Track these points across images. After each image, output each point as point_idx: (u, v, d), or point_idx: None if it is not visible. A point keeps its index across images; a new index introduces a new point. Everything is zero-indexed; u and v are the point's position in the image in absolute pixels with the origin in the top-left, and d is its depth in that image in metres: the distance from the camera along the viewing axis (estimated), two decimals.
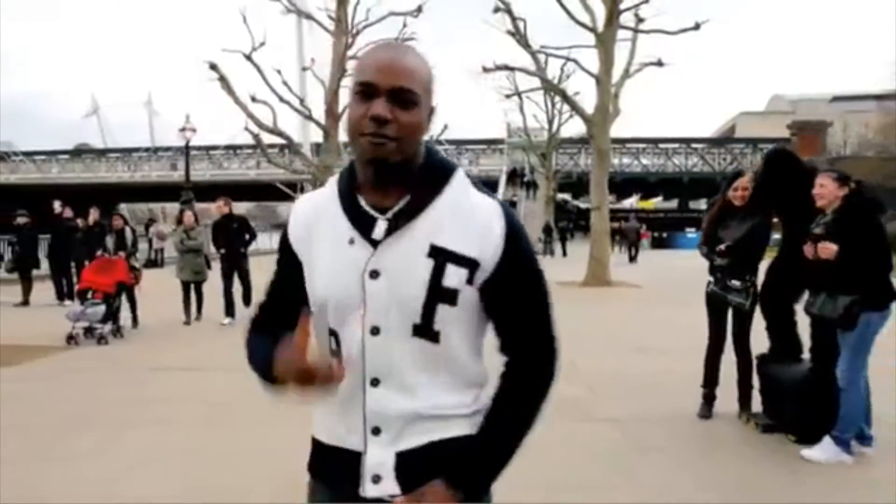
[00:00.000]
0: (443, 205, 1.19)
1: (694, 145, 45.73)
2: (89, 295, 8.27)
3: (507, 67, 16.31)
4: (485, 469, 1.21)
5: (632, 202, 57.75)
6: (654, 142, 45.96)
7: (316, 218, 1.26)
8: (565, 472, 3.73)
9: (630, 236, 30.28)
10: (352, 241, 1.20)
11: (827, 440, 3.80)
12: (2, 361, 6.81)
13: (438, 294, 1.17)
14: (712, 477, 3.76)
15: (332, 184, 1.28)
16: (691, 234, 44.85)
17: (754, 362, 4.74)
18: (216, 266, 10.02)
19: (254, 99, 20.73)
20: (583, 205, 52.15)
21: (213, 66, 20.37)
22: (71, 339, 7.97)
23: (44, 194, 45.11)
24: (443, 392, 1.22)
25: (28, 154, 50.35)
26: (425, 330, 1.19)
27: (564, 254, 28.02)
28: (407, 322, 1.18)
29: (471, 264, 1.18)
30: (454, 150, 43.42)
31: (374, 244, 1.19)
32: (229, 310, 9.58)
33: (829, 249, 3.64)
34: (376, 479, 1.22)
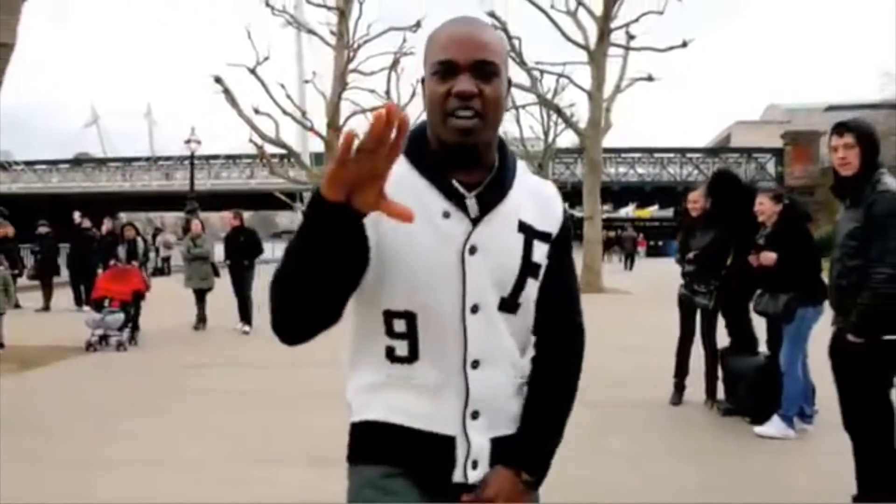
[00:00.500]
0: (519, 186, 1.23)
1: (689, 155, 46.52)
2: (106, 303, 8.51)
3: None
4: (545, 456, 1.27)
5: (628, 211, 58.52)
6: (650, 151, 46.81)
7: (392, 188, 1.01)
8: None
9: (626, 245, 31.19)
10: (447, 215, 1.17)
11: (775, 418, 4.49)
12: (33, 362, 7.41)
13: (529, 268, 1.21)
14: (676, 449, 4.44)
15: (401, 160, 1.12)
16: None
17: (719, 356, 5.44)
18: (224, 274, 10.34)
19: (257, 111, 21.47)
20: (578, 213, 53.07)
21: (218, 80, 21.10)
22: (90, 346, 8.22)
23: (45, 203, 45.91)
24: (520, 371, 1.28)
25: (29, 163, 50.96)
26: (510, 304, 1.21)
27: None
28: (496, 298, 1.20)
29: (549, 239, 1.25)
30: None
31: (472, 221, 1.18)
32: (246, 317, 9.68)
33: (769, 257, 4.35)
34: (475, 464, 1.21)
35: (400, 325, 1.18)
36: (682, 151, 46.40)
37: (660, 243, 44.72)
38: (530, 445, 1.23)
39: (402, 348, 1.20)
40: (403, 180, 1.13)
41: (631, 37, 15.81)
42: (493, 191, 1.19)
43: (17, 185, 47.69)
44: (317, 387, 5.33)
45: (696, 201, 5.62)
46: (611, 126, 15.65)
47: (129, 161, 51.66)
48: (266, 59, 20.81)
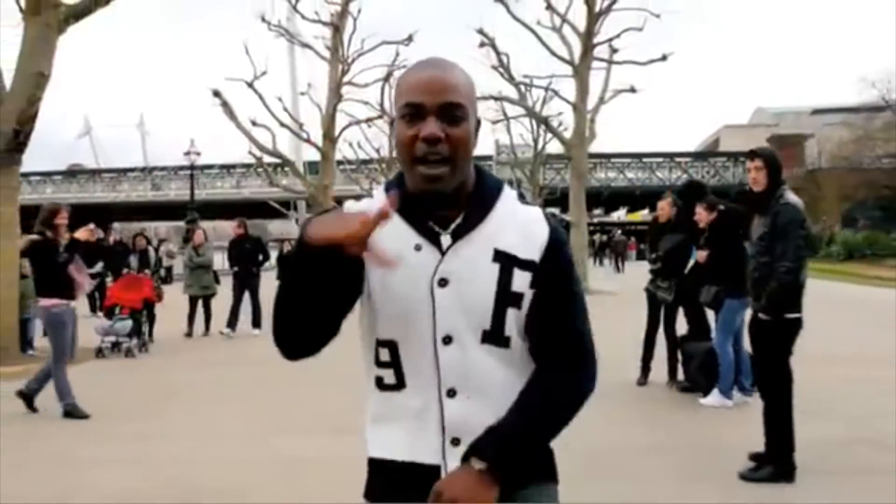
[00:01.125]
0: (497, 215, 1.22)
1: (677, 159, 47.47)
2: (117, 311, 8.74)
3: (492, 98, 18.02)
4: (510, 449, 1.18)
5: (620, 215, 59.58)
6: (639, 156, 47.75)
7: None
8: None
9: (618, 248, 32.39)
10: (419, 248, 1.20)
11: (714, 391, 5.37)
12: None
13: (507, 298, 1.19)
14: (636, 416, 5.31)
15: (379, 193, 1.30)
16: None
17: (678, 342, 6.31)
18: (226, 281, 10.76)
19: (254, 123, 22.31)
20: (568, 218, 54.07)
21: (217, 93, 21.93)
22: (100, 352, 8.49)
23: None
24: (513, 398, 1.22)
25: (24, 175, 51.54)
26: (496, 336, 1.19)
27: None
28: (477, 329, 1.19)
29: (531, 266, 1.21)
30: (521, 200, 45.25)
31: (442, 252, 1.19)
32: (232, 323, 10.23)
33: (701, 255, 5.25)
34: None
35: (384, 354, 1.22)
36: (670, 156, 47.39)
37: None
38: (496, 436, 1.17)
39: (389, 377, 1.23)
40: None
41: (614, 50, 16.75)
42: (467, 224, 1.21)
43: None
44: (331, 371, 6.18)
45: (664, 209, 6.51)
46: (595, 136, 16.60)
47: (123, 172, 52.35)
48: (264, 73, 21.64)
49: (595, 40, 15.64)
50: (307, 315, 1.15)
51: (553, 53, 15.91)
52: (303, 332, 1.17)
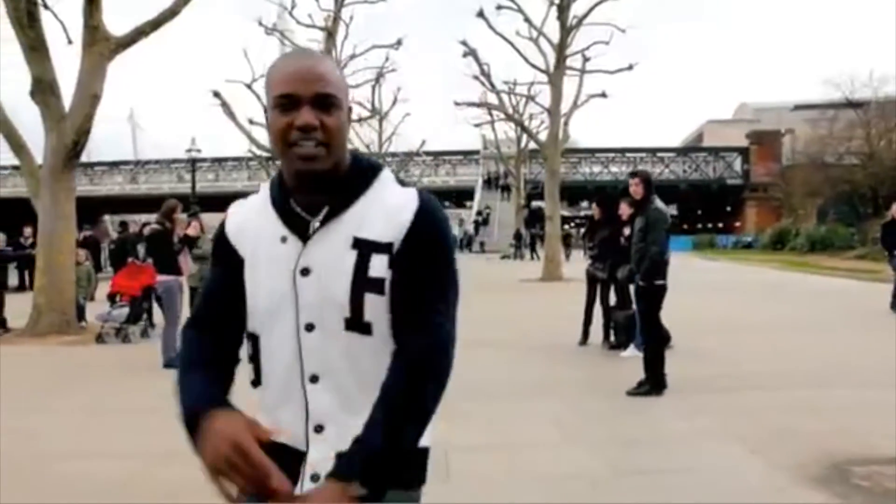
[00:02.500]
0: (367, 201, 1.25)
1: (659, 154, 49.39)
2: (117, 298, 9.24)
3: (474, 104, 19.93)
4: (376, 466, 1.13)
5: None
6: (622, 151, 49.66)
7: (247, 222, 1.32)
8: (486, 367, 7.08)
9: (567, 241, 35.00)
10: (284, 240, 1.26)
11: (630, 345, 7.29)
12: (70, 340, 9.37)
13: (365, 284, 1.21)
14: (574, 364, 7.22)
15: (264, 189, 1.34)
16: None
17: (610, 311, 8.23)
18: None
19: (251, 122, 24.05)
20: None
21: (217, 94, 23.64)
22: (99, 337, 8.99)
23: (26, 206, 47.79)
24: (380, 385, 1.21)
25: (17, 168, 52.83)
26: (357, 323, 1.22)
27: (537, 257, 31.32)
28: (338, 317, 1.22)
29: (389, 249, 1.22)
30: (432, 162, 47.02)
31: (304, 243, 1.24)
32: None
33: (624, 210, 7.20)
34: (315, 477, 1.23)
35: (249, 348, 1.30)
36: (652, 151, 49.35)
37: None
38: (361, 453, 1.13)
39: (251, 372, 1.30)
40: (260, 210, 1.30)
41: (586, 59, 18.67)
42: (334, 211, 1.24)
43: (6, 190, 49.64)
44: None
45: (597, 210, 8.47)
46: (569, 137, 18.53)
47: (115, 165, 53.69)
48: (262, 76, 23.32)
49: (567, 52, 17.55)
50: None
51: (529, 63, 17.86)
52: None
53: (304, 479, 1.24)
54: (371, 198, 1.26)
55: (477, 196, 45.84)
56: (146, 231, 8.38)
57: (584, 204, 61.51)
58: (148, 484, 3.91)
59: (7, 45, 10.01)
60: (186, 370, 1.28)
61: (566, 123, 18.39)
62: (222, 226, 1.36)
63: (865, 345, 8.06)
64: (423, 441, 1.26)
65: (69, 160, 9.70)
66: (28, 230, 16.95)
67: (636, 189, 5.91)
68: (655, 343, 5.86)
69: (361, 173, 1.29)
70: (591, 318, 8.38)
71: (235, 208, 1.38)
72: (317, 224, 1.25)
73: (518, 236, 32.81)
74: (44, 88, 9.47)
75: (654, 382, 5.76)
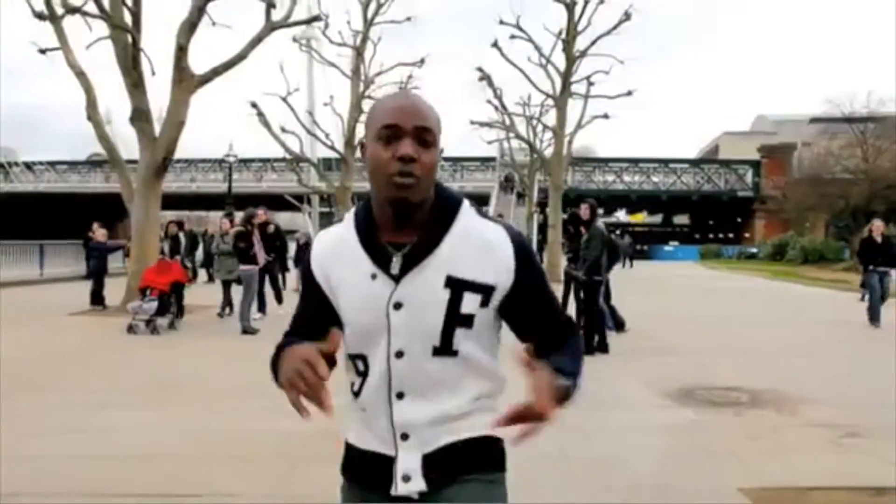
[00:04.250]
0: (454, 237, 1.37)
1: (671, 165, 51.55)
2: (148, 292, 10.05)
3: (488, 125, 22.56)
4: (573, 371, 1.38)
5: (620, 216, 63.77)
6: (635, 161, 51.90)
7: (336, 252, 1.44)
8: None
9: (625, 250, 37.86)
10: (374, 277, 1.38)
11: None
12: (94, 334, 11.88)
13: (456, 320, 1.36)
14: None
15: (349, 220, 1.46)
16: (668, 248, 50.89)
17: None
18: None
19: (283, 130, 26.79)
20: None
21: (254, 105, 26.40)
22: (131, 328, 9.69)
23: (66, 202, 51.24)
24: (463, 394, 1.42)
25: (51, 164, 56.35)
26: (445, 350, 1.38)
27: (542, 260, 34.07)
28: (427, 345, 1.37)
29: (486, 289, 1.38)
30: (450, 167, 49.69)
31: (395, 279, 1.36)
32: (261, 307, 11.36)
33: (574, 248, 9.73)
34: (406, 478, 1.41)
35: (360, 365, 1.45)
36: (665, 162, 51.58)
37: (645, 247, 49.40)
38: (559, 363, 1.35)
39: (357, 384, 1.46)
40: (346, 245, 1.43)
41: (591, 84, 21.18)
42: (421, 248, 1.36)
43: (44, 185, 53.06)
44: None
45: (570, 224, 11.04)
46: (571, 155, 21.05)
47: None
48: (296, 89, 26.11)
49: (572, 79, 20.09)
50: None
51: (538, 89, 20.48)
52: None
53: (397, 480, 1.41)
54: (459, 233, 1.38)
55: (493, 202, 48.38)
56: (231, 231, 10.96)
57: (600, 212, 63.84)
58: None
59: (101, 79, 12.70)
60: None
61: (570, 142, 20.94)
62: (309, 261, 1.49)
63: (779, 333, 10.52)
64: (487, 430, 1.44)
65: (158, 173, 12.41)
66: (95, 225, 19.74)
67: (585, 212, 8.47)
68: (594, 320, 8.40)
69: (446, 207, 1.41)
70: (565, 311, 10.93)
71: (321, 241, 1.51)
72: (399, 258, 1.37)
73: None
74: (141, 116, 12.19)
75: (596, 347, 8.31)
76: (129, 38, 11.79)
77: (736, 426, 5.31)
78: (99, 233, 13.77)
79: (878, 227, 12.10)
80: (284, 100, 26.13)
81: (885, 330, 10.60)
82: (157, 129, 12.49)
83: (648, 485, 3.99)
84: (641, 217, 62.42)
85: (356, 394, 1.46)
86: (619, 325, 10.30)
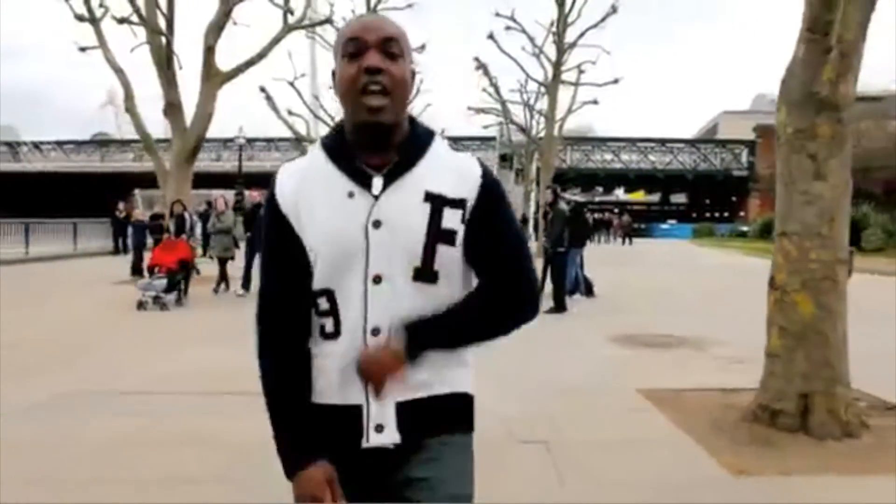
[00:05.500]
0: (429, 160, 1.37)
1: (668, 144, 53.16)
2: (156, 270, 10.46)
3: (483, 111, 24.32)
4: (423, 337, 1.33)
5: (619, 194, 65.32)
6: (633, 141, 53.52)
7: (305, 182, 1.37)
8: None
9: (625, 228, 39.71)
10: (351, 195, 1.32)
11: (576, 294, 11.72)
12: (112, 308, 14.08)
13: (438, 235, 1.32)
14: None
15: (316, 149, 1.41)
16: (664, 226, 52.63)
17: None
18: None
19: (291, 112, 28.47)
20: (568, 196, 60.25)
21: (263, 89, 28.04)
22: (141, 305, 10.09)
23: (75, 181, 52.97)
24: None
25: (58, 143, 58.01)
26: (426, 273, 1.33)
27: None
28: (408, 267, 1.32)
29: (462, 204, 1.35)
30: (453, 147, 51.15)
31: (374, 197, 1.32)
32: (246, 284, 11.77)
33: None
34: (379, 428, 1.33)
35: (323, 303, 1.36)
36: (662, 141, 53.23)
37: (642, 226, 51.18)
38: (416, 323, 1.31)
39: (329, 325, 1.36)
40: (316, 170, 1.37)
41: (581, 72, 22.89)
42: (398, 168, 1.33)
43: (53, 165, 54.81)
44: None
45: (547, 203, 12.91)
46: (562, 139, 22.81)
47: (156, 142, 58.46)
48: (303, 75, 27.75)
49: (563, 68, 21.81)
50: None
51: (531, 77, 22.20)
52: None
53: (368, 431, 1.33)
54: (433, 157, 1.37)
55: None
56: (227, 211, 12.44)
57: (600, 189, 65.52)
58: None
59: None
60: (276, 384, 1.40)
61: (561, 127, 22.70)
62: (272, 190, 1.39)
63: (722, 299, 12.36)
64: (467, 388, 1.43)
65: (189, 158, 14.24)
66: (121, 205, 21.64)
67: (549, 196, 10.34)
68: (561, 283, 10.33)
69: (420, 135, 1.40)
70: (543, 284, 12.75)
71: (285, 173, 1.40)
72: (380, 179, 1.32)
73: (524, 220, 37.25)
74: (174, 109, 13.99)
75: (558, 307, 10.22)
76: (164, 41, 13.54)
77: (657, 358, 7.20)
78: (137, 211, 15.63)
79: None
80: (292, 84, 27.79)
81: None
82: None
83: (572, 387, 5.87)
84: (641, 195, 64.06)
85: (328, 335, 1.37)
86: (589, 291, 12.20)
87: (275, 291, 1.41)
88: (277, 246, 1.38)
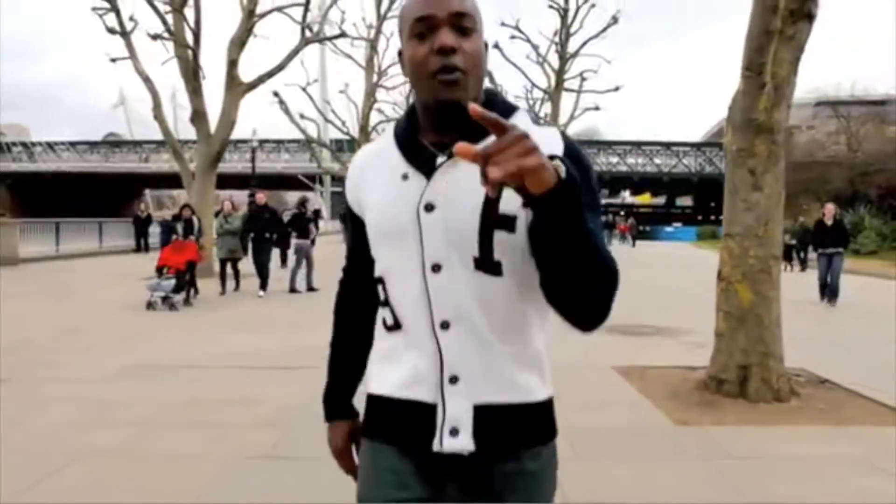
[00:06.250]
0: None
1: (673, 148, 54.16)
2: (164, 271, 10.68)
3: None
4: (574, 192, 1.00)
5: (625, 196, 66.37)
6: (638, 144, 54.59)
7: (367, 164, 1.33)
8: None
9: (631, 230, 40.89)
10: (405, 177, 1.23)
11: None
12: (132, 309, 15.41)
13: (495, 220, 1.16)
14: None
15: (388, 129, 1.34)
16: (669, 228, 53.58)
17: None
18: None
19: (302, 116, 29.65)
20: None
21: (276, 94, 29.24)
22: (150, 305, 10.28)
23: (87, 181, 54.39)
24: (515, 335, 1.24)
25: (72, 144, 59.52)
26: (486, 262, 1.17)
27: None
28: (467, 256, 1.17)
29: None
30: (539, 122, 52.54)
31: (427, 178, 1.21)
32: (263, 285, 12.38)
33: None
34: (454, 432, 1.21)
35: (381, 293, 1.29)
36: (667, 145, 54.26)
37: (647, 228, 52.11)
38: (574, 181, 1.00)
39: (388, 317, 1.29)
40: (381, 153, 1.30)
41: (584, 80, 23.98)
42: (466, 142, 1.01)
43: (68, 165, 56.28)
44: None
45: None
46: None
47: (161, 143, 59.98)
48: (315, 80, 28.95)
49: (565, 76, 22.90)
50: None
51: (535, 85, 23.33)
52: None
53: (443, 434, 1.22)
54: None
55: None
56: (286, 214, 13.86)
57: (605, 191, 66.58)
58: None
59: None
60: (337, 342, 1.50)
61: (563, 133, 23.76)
62: (347, 173, 1.36)
63: (702, 296, 13.37)
64: (548, 392, 1.32)
65: (213, 163, 15.40)
66: (142, 205, 22.90)
67: None
68: None
69: (498, 109, 1.14)
70: None
71: (356, 157, 1.37)
72: (444, 158, 1.20)
73: None
74: (199, 116, 15.15)
75: None
76: (191, 54, 14.71)
77: (634, 343, 8.29)
78: (165, 210, 16.81)
79: (829, 209, 12.78)
80: (304, 90, 28.98)
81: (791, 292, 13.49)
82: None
83: (559, 364, 6.91)
84: (648, 199, 65.08)
85: (391, 327, 1.29)
86: None
87: (347, 270, 1.49)
88: (352, 227, 1.40)
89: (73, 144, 59.05)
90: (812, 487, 3.93)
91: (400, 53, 1.28)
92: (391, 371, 1.30)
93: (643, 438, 4.82)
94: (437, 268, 1.21)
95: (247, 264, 12.90)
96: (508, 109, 1.27)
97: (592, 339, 8.96)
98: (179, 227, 11.95)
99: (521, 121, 1.24)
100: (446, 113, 1.19)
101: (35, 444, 4.43)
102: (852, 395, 5.98)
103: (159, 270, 10.76)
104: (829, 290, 12.41)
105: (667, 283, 16.34)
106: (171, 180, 61.91)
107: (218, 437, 4.62)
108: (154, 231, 21.51)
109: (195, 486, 3.78)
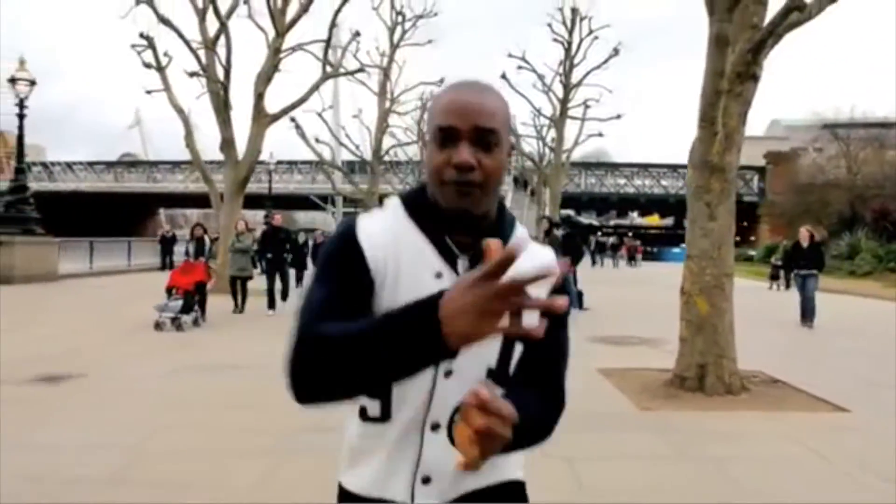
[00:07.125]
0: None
1: (679, 170, 55.22)
2: (173, 291, 10.84)
3: None
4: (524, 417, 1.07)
5: (633, 217, 67.50)
6: (645, 166, 55.82)
7: (396, 239, 1.25)
8: None
9: (630, 251, 42.17)
10: (439, 276, 1.22)
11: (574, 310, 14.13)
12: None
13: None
14: None
15: (395, 207, 1.31)
16: (676, 249, 54.56)
17: None
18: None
19: (317, 140, 31.13)
20: (584, 220, 62.72)
21: (293, 119, 30.73)
22: (158, 325, 10.35)
23: (105, 200, 56.15)
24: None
25: (90, 164, 61.42)
26: (499, 375, 1.14)
27: None
28: (482, 365, 1.15)
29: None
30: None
31: None
32: (271, 304, 12.54)
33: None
34: None
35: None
36: (673, 167, 55.40)
37: (655, 249, 53.30)
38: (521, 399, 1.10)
39: (373, 408, 1.26)
40: (405, 235, 1.25)
41: (587, 107, 25.42)
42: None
43: (86, 185, 58.16)
44: None
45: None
46: (568, 169, 25.29)
47: (177, 164, 61.80)
48: (330, 106, 30.47)
49: (569, 105, 24.35)
50: (367, 381, 1.11)
51: (540, 114, 24.83)
52: (346, 391, 1.16)
53: None
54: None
55: (508, 197, 52.44)
56: (301, 236, 15.21)
57: (613, 212, 67.81)
58: None
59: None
60: (339, 325, 1.11)
61: (568, 157, 25.18)
62: (352, 233, 1.25)
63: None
64: (520, 473, 1.36)
65: (240, 188, 16.82)
66: (166, 225, 24.33)
67: (544, 226, 12.74)
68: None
69: (507, 222, 1.29)
70: None
71: (373, 226, 1.27)
72: (465, 261, 1.22)
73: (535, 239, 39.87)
74: (228, 144, 16.60)
75: None
76: (222, 89, 16.20)
77: (619, 351, 9.53)
78: (183, 230, 18.19)
79: (803, 233, 13.47)
80: (320, 115, 30.47)
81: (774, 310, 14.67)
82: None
83: None
84: (656, 220, 66.14)
85: (374, 419, 1.26)
86: (580, 304, 14.55)
87: (316, 322, 1.16)
88: (346, 291, 1.20)
89: (90, 164, 60.97)
90: (742, 451, 5.19)
91: (423, 140, 1.51)
92: (364, 465, 1.29)
93: (612, 419, 6.08)
94: (449, 373, 1.22)
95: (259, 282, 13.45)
96: (512, 223, 1.33)
97: (584, 348, 10.91)
98: (190, 246, 12.04)
99: (521, 233, 1.33)
100: (454, 217, 1.22)
101: (129, 417, 5.75)
102: (798, 392, 7.21)
103: (168, 291, 11.02)
104: (805, 310, 12.88)
105: (658, 299, 17.51)
106: (184, 200, 64.30)
107: (272, 417, 5.90)
108: (179, 250, 22.94)
109: (265, 444, 5.09)
